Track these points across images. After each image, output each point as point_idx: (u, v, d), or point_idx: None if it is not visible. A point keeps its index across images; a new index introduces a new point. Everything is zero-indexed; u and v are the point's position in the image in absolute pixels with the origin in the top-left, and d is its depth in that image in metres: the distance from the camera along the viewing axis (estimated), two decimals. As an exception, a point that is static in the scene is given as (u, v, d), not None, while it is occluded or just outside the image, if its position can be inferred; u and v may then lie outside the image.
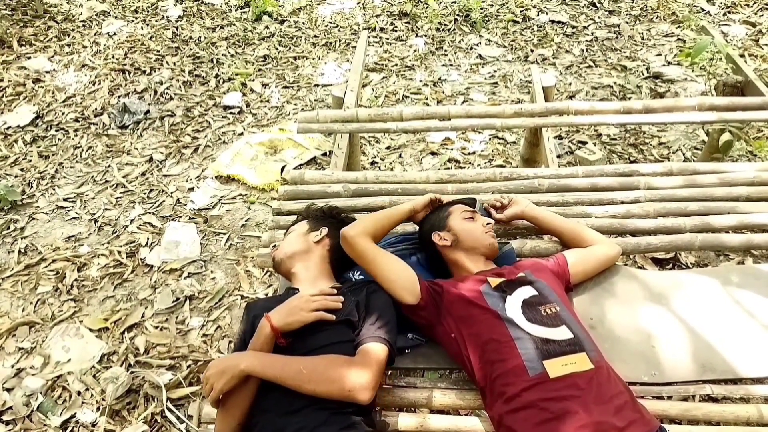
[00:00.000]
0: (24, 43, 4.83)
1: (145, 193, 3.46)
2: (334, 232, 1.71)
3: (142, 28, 5.07)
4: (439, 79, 4.42)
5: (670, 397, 1.49)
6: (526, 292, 1.49)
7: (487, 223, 1.70)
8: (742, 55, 4.21)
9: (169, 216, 3.29)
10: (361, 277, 1.67)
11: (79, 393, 2.39)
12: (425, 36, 4.95)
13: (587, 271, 1.72)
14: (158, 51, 4.77)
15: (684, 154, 3.50)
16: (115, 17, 5.22)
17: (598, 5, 5.21)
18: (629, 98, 3.99)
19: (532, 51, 4.68)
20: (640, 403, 1.33)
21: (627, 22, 4.94)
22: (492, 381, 1.37)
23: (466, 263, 1.64)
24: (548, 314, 1.43)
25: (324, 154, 3.71)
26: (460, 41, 4.86)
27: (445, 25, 5.06)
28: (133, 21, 5.18)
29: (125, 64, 4.58)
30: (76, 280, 2.90)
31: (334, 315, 1.43)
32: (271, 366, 1.33)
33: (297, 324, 1.40)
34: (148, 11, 5.33)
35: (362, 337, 1.41)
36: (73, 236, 3.18)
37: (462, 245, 1.65)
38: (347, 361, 1.34)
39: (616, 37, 4.77)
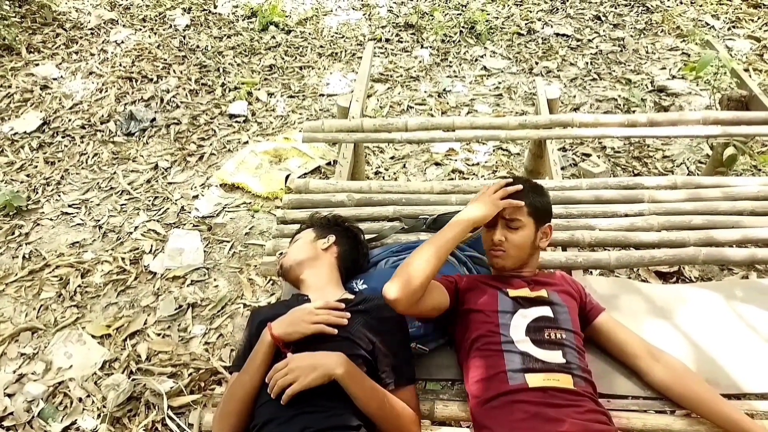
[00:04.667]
0: (32, 50, 4.87)
1: (149, 201, 3.47)
2: (341, 239, 1.72)
3: (149, 37, 5.11)
4: (444, 90, 4.44)
5: (672, 412, 1.48)
6: (541, 311, 1.47)
7: (491, 240, 1.55)
8: (746, 70, 4.22)
9: (174, 223, 3.30)
10: (364, 286, 1.67)
11: (80, 399, 2.39)
12: (430, 47, 4.97)
13: (611, 344, 1.54)
14: (165, 59, 4.80)
15: (688, 168, 3.50)
16: (123, 26, 5.27)
17: (603, 19, 5.24)
18: (633, 111, 3.99)
19: (536, 63, 4.69)
20: None
21: (632, 36, 4.96)
22: (473, 383, 1.41)
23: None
24: (550, 338, 1.42)
25: (328, 164, 3.72)
26: (465, 53, 4.88)
27: (450, 36, 5.08)
28: (140, 30, 5.22)
29: (132, 72, 4.62)
30: (79, 286, 2.90)
31: (337, 330, 1.42)
32: (361, 384, 1.32)
33: (297, 335, 1.39)
34: (155, 20, 5.38)
35: (403, 377, 1.43)
36: (77, 242, 3.19)
37: None
38: (413, 417, 1.39)
39: (621, 51, 4.78)
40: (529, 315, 1.46)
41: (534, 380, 1.34)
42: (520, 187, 1.55)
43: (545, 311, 1.47)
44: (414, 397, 1.42)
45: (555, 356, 1.39)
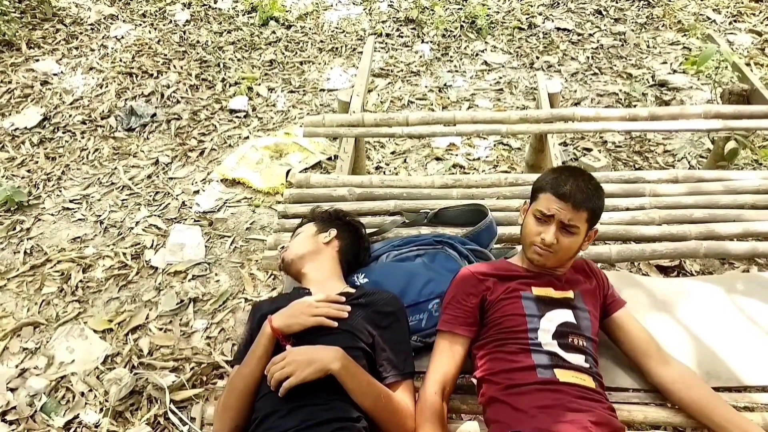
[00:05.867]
0: (32, 45, 4.86)
1: (150, 196, 3.47)
2: (342, 233, 1.72)
3: (149, 32, 5.11)
4: (445, 85, 4.43)
5: (673, 405, 1.48)
6: (564, 315, 1.47)
7: (542, 239, 1.46)
8: (748, 64, 4.21)
9: (175, 218, 3.30)
10: (365, 280, 1.67)
11: (82, 394, 2.40)
12: (431, 42, 4.96)
13: (625, 339, 1.53)
14: (165, 55, 4.79)
15: (689, 162, 3.50)
16: (123, 21, 5.26)
17: (604, 13, 5.22)
18: (634, 106, 3.98)
19: (537, 58, 4.69)
20: None
21: (633, 30, 4.94)
22: (495, 374, 1.40)
23: (524, 253, 1.57)
24: (575, 344, 1.42)
25: (329, 159, 3.72)
26: (465, 47, 4.87)
27: (450, 31, 5.07)
28: (140, 25, 5.21)
29: (132, 68, 4.61)
30: (81, 281, 2.91)
31: (338, 323, 1.43)
32: (357, 379, 1.32)
33: (297, 327, 1.40)
34: (155, 15, 5.37)
35: (402, 371, 1.42)
36: (78, 238, 3.19)
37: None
38: (409, 412, 1.37)
39: (622, 45, 4.77)
40: (555, 319, 1.45)
41: (563, 375, 1.35)
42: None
43: (568, 316, 1.46)
44: (413, 391, 1.42)
45: (579, 359, 1.40)
